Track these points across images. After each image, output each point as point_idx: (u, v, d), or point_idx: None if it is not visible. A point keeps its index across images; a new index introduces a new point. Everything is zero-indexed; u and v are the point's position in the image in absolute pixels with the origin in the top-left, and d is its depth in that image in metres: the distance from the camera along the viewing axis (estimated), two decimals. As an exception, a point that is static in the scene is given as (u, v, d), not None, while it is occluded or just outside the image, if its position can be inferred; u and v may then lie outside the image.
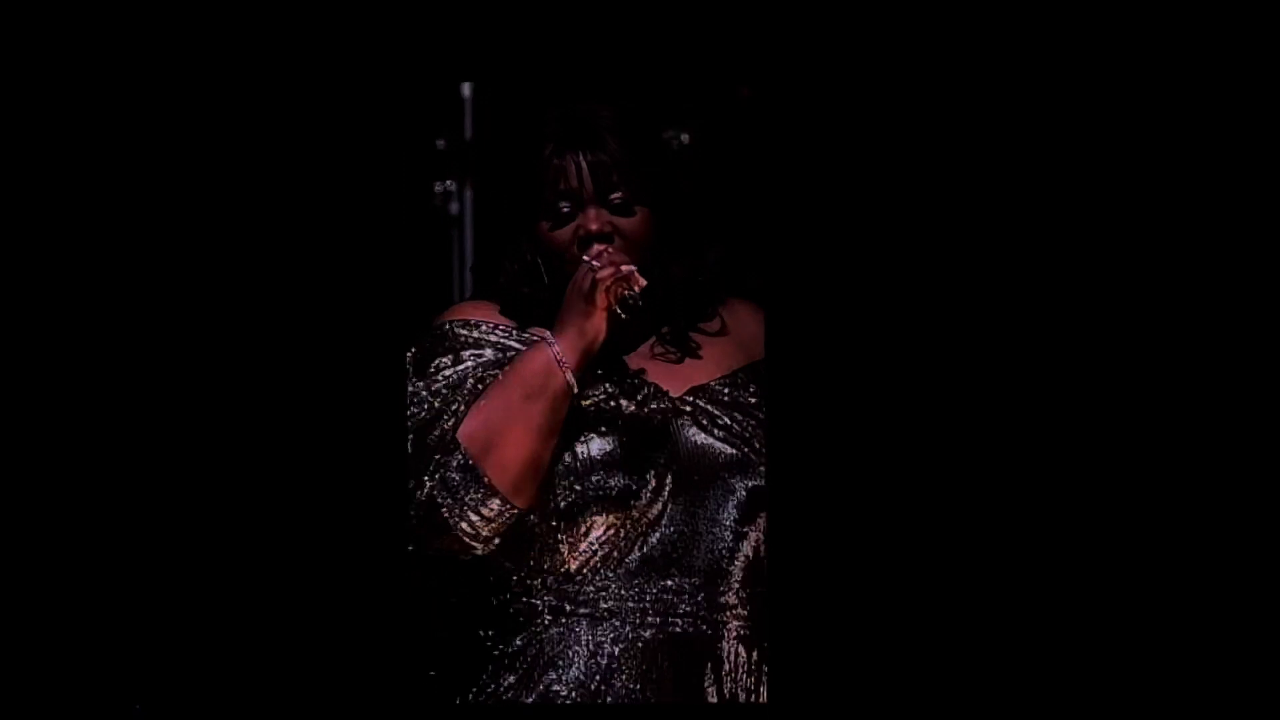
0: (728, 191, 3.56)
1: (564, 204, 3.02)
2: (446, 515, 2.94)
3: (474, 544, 2.95)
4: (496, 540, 2.96)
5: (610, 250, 2.97)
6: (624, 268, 2.93)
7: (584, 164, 3.02)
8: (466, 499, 2.93)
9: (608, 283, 2.92)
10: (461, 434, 2.94)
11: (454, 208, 4.82)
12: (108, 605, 2.88)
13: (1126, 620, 2.84)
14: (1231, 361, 2.85)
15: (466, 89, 4.61)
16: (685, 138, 3.84)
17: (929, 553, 2.84)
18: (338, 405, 2.87)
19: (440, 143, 4.74)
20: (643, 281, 2.93)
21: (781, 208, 2.89)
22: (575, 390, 2.94)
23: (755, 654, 3.00)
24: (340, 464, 2.87)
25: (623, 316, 2.94)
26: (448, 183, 4.78)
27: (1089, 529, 2.85)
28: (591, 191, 3.02)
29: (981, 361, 2.85)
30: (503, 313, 3.08)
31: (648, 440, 2.99)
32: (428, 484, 2.93)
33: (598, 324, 2.95)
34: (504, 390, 2.95)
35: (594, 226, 3.01)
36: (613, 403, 3.00)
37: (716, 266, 3.16)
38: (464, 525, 2.93)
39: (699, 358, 3.09)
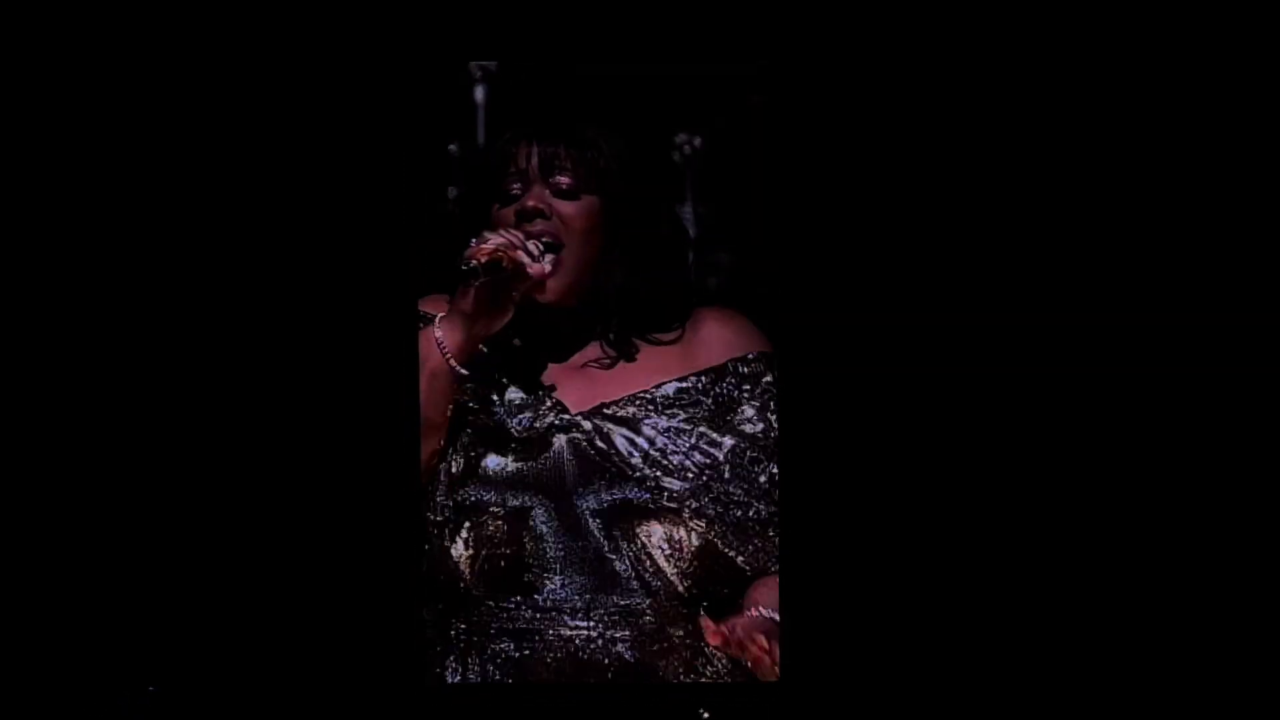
0: (737, 197, 3.57)
1: (514, 185, 3.00)
2: None
3: None
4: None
5: (509, 231, 2.93)
6: (495, 240, 2.89)
7: (534, 147, 2.99)
8: None
9: (478, 256, 2.87)
10: None
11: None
12: (122, 598, 2.90)
13: (1126, 619, 2.86)
14: (1233, 362, 2.86)
15: (479, 94, 4.62)
16: (697, 142, 3.83)
17: (937, 542, 2.86)
18: (349, 407, 2.88)
19: (453, 148, 4.75)
20: (536, 272, 2.90)
21: (790, 213, 2.90)
22: (460, 372, 2.93)
23: (642, 658, 2.99)
24: (351, 464, 2.88)
25: (476, 280, 2.89)
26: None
27: (1092, 528, 2.87)
28: (536, 171, 2.98)
29: (985, 363, 2.87)
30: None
31: (530, 456, 2.99)
32: None
33: (465, 302, 2.91)
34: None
35: (530, 203, 2.98)
36: (508, 420, 3.00)
37: (683, 277, 3.10)
38: None
39: (633, 361, 3.05)
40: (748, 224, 3.55)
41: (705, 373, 3.03)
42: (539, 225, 2.97)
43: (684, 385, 3.02)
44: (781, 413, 2.98)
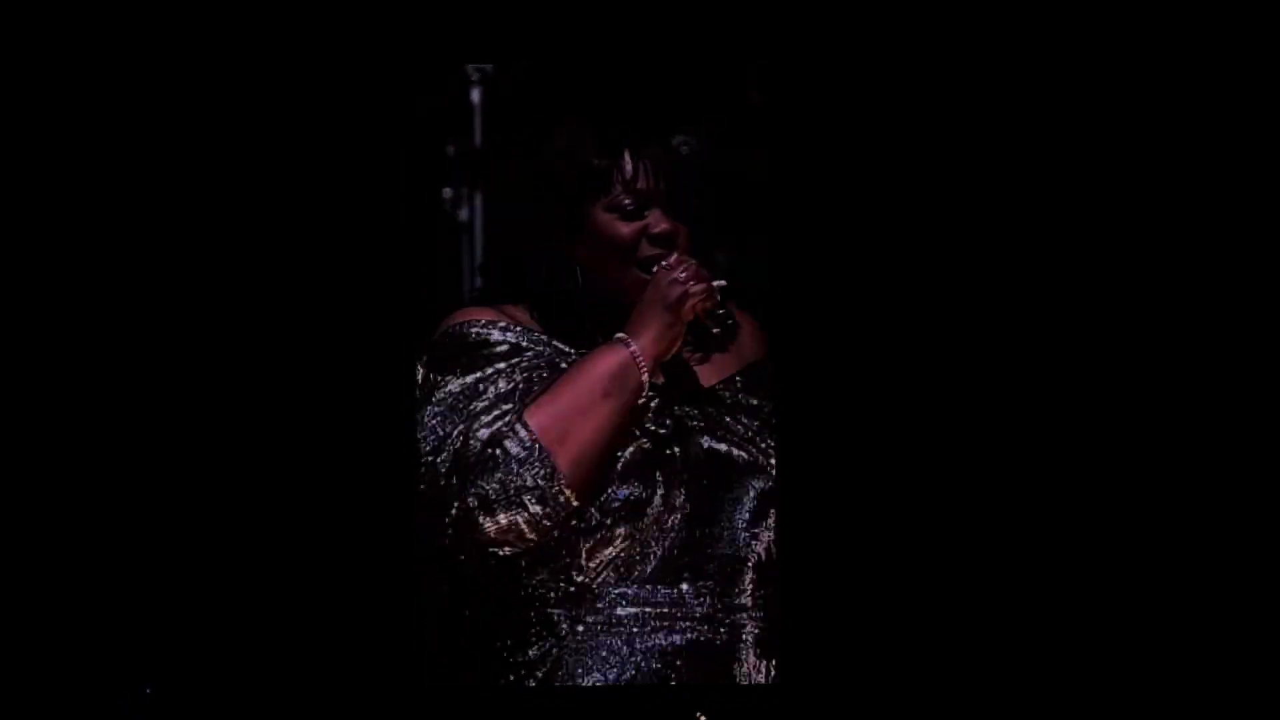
0: (736, 197, 3.56)
1: (628, 200, 2.98)
2: (498, 509, 2.85)
3: (530, 535, 2.87)
4: (551, 533, 2.89)
5: (690, 263, 2.95)
6: (713, 283, 2.94)
7: (650, 165, 2.98)
8: (529, 485, 2.85)
9: (700, 297, 2.92)
10: (533, 423, 2.87)
11: (464, 214, 4.83)
12: (122, 599, 2.89)
13: (1126, 619, 2.85)
14: (1234, 362, 2.86)
15: (476, 95, 4.62)
16: (695, 144, 3.83)
17: (938, 543, 2.85)
18: (347, 411, 2.87)
19: (450, 149, 4.75)
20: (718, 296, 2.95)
21: (788, 213, 2.90)
22: (648, 392, 2.93)
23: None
24: (349, 469, 2.87)
25: (714, 331, 2.97)
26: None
27: (1097, 527, 2.86)
28: (663, 192, 2.98)
29: (986, 364, 2.86)
30: (531, 313, 3.04)
31: (658, 448, 2.98)
32: (471, 490, 2.85)
33: (677, 333, 2.94)
34: (575, 386, 2.90)
35: (665, 226, 2.98)
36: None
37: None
38: (522, 517, 2.86)
39: (706, 362, 3.08)
40: (746, 224, 3.54)
41: (757, 362, 3.10)
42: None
43: (756, 371, 3.09)
44: (780, 414, 2.98)
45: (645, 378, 2.91)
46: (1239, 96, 2.86)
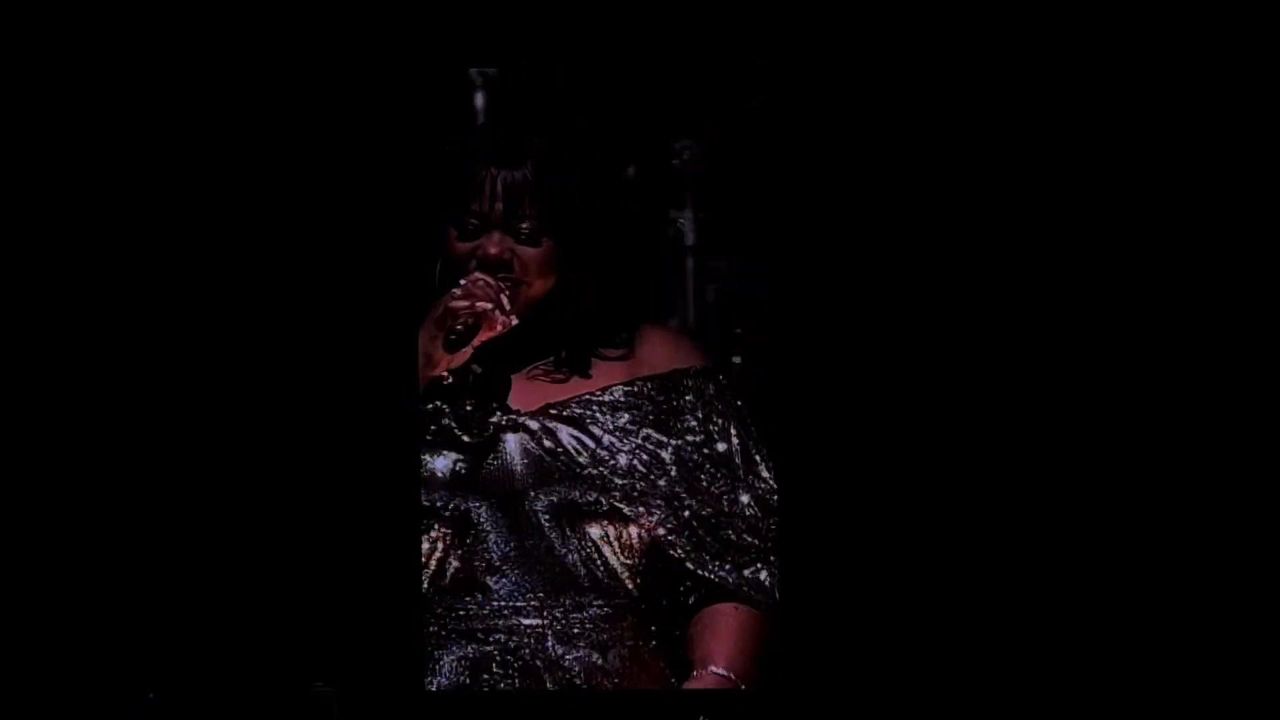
0: (736, 203, 3.57)
1: (472, 221, 3.01)
2: None
3: None
4: None
5: (485, 281, 2.96)
6: (480, 305, 2.94)
7: (499, 185, 2.99)
8: None
9: (461, 317, 2.94)
10: None
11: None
12: (126, 603, 2.90)
13: (1128, 619, 2.86)
14: (1231, 361, 2.86)
15: (479, 100, 4.62)
16: (697, 149, 3.83)
17: (934, 544, 2.87)
18: (346, 409, 2.89)
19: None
20: (504, 324, 2.95)
21: (790, 217, 2.91)
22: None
23: (604, 659, 3.00)
24: (349, 466, 2.89)
25: (445, 351, 2.96)
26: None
27: (1095, 534, 2.87)
28: (499, 215, 3.00)
29: (988, 364, 2.87)
30: None
31: (480, 459, 3.00)
32: None
33: (432, 350, 2.97)
34: None
35: (493, 251, 3.00)
36: (456, 430, 3.01)
37: (627, 295, 3.12)
38: None
39: (588, 378, 3.08)
40: (746, 230, 3.55)
41: (650, 379, 3.06)
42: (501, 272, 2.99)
43: (631, 389, 3.05)
44: (779, 416, 2.99)
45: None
46: (1241, 110, 2.88)
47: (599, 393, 3.05)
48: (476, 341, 2.98)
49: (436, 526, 2.99)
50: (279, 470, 2.91)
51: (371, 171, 2.94)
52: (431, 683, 2.98)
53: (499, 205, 2.99)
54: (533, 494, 3.01)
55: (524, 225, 2.99)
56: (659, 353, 3.10)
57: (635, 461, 3.02)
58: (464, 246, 3.01)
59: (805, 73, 2.90)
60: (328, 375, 2.91)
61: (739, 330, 3.83)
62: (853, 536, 2.85)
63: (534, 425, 3.02)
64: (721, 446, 3.04)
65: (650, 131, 3.15)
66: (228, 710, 2.90)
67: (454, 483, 2.99)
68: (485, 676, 2.97)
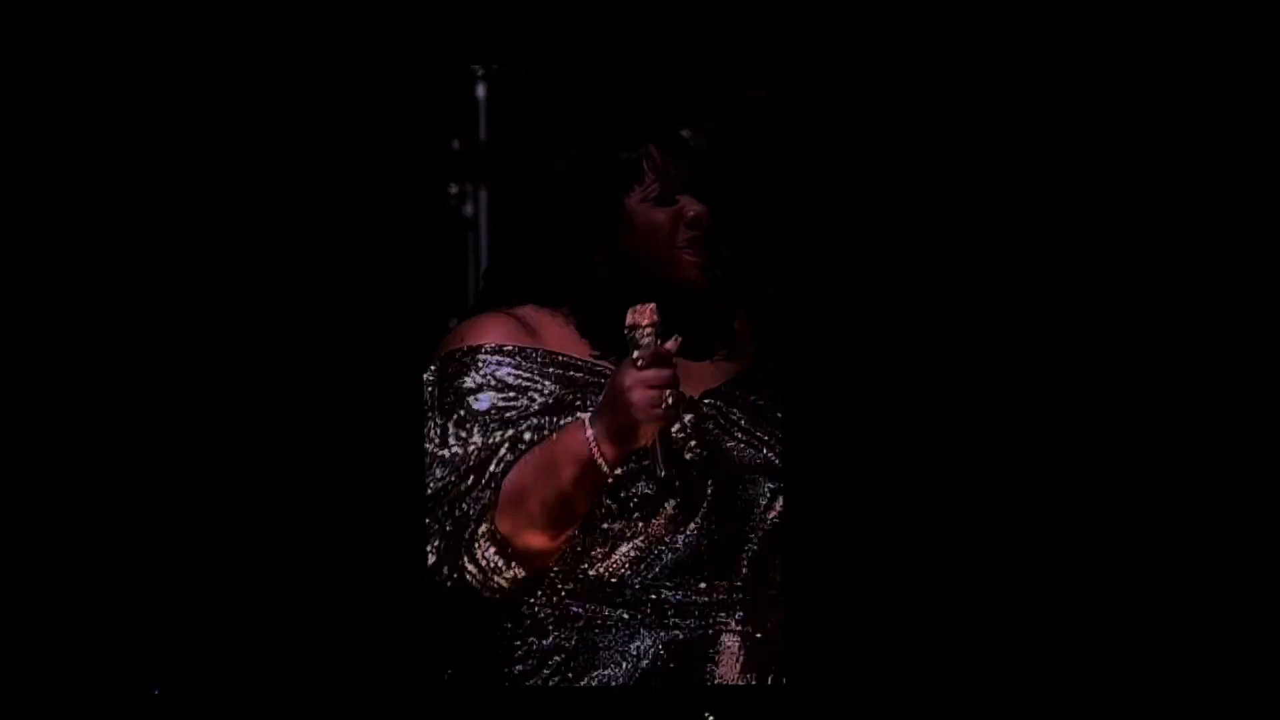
0: (742, 195, 3.56)
1: (660, 188, 3.03)
2: (472, 581, 2.95)
3: (484, 592, 2.96)
4: (504, 591, 2.96)
5: (665, 372, 2.88)
6: (670, 398, 2.88)
7: (673, 154, 3.05)
8: (493, 577, 2.95)
9: (659, 422, 2.88)
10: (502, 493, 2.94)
11: (468, 209, 4.83)
12: (131, 600, 2.90)
13: (1128, 619, 2.85)
14: (1243, 366, 2.86)
15: (481, 91, 4.62)
16: (702, 140, 3.83)
17: (944, 545, 2.85)
18: (351, 409, 2.88)
19: (455, 144, 4.75)
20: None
21: (793, 212, 2.90)
22: (611, 480, 2.93)
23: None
24: (356, 466, 2.88)
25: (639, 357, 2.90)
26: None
27: (1104, 527, 2.87)
28: (688, 177, 3.05)
29: (992, 365, 2.86)
30: (566, 315, 3.06)
31: (674, 448, 2.98)
32: (463, 562, 2.95)
33: (630, 433, 2.89)
34: (535, 467, 2.94)
35: (697, 209, 3.02)
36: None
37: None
38: (490, 586, 2.96)
39: (711, 364, 3.10)
40: (752, 220, 3.55)
41: (757, 364, 3.12)
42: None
43: (755, 373, 3.11)
44: (786, 413, 2.98)
45: (599, 463, 2.90)
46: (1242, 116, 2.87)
47: (733, 380, 3.08)
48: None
49: (623, 516, 2.97)
50: (280, 475, 2.90)
51: (375, 166, 2.93)
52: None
53: (686, 170, 3.04)
54: (723, 481, 3.01)
55: (706, 188, 3.04)
56: (742, 338, 3.15)
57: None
58: (663, 215, 3.03)
59: (809, 64, 2.89)
60: (327, 378, 2.90)
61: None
62: (863, 532, 2.84)
63: (708, 413, 3.04)
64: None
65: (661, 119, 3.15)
66: (236, 707, 2.90)
67: (636, 471, 2.96)
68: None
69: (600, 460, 2.89)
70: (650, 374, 2.86)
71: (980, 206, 2.86)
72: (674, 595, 2.96)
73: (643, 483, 2.96)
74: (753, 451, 3.04)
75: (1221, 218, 2.85)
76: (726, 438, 3.04)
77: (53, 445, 2.87)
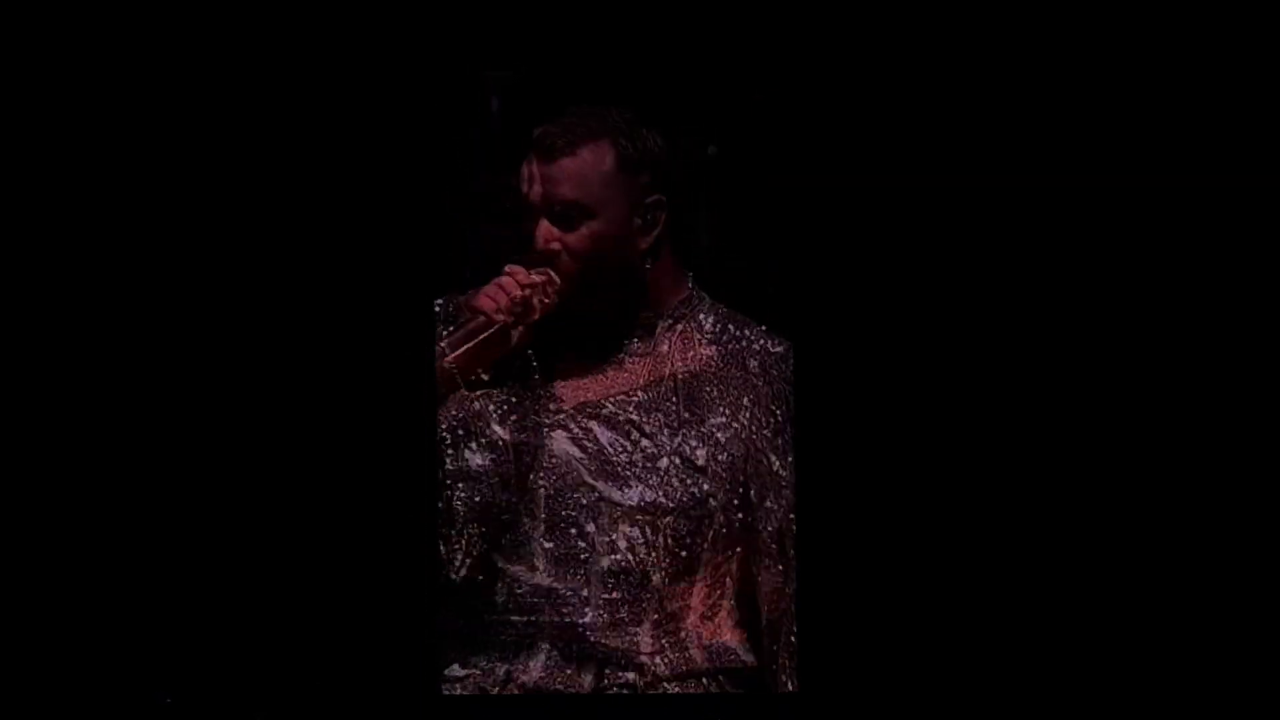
0: (742, 198, 3.57)
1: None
2: None
3: None
4: None
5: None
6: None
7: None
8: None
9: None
10: None
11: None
12: (141, 606, 2.92)
13: (1130, 620, 2.86)
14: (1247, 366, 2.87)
15: (495, 103, 4.62)
16: (713, 150, 3.82)
17: (955, 548, 2.86)
18: (362, 406, 2.90)
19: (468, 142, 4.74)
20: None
21: (794, 215, 2.91)
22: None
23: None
24: (365, 464, 2.90)
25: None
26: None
27: (1104, 527, 2.87)
28: (538, 202, 3.04)
29: (997, 365, 2.87)
30: None
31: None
32: None
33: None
34: None
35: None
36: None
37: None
38: None
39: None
40: (757, 226, 3.55)
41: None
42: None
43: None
44: (796, 415, 2.99)
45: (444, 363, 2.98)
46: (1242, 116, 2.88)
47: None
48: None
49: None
50: (289, 471, 2.92)
51: (384, 174, 2.94)
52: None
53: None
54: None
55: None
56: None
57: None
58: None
59: (809, 68, 2.91)
60: (339, 377, 2.92)
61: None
62: (871, 536, 2.85)
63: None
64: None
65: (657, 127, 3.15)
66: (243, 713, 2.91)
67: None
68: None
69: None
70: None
71: (980, 206, 2.87)
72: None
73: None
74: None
75: (1221, 218, 2.87)
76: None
77: (53, 446, 2.90)
